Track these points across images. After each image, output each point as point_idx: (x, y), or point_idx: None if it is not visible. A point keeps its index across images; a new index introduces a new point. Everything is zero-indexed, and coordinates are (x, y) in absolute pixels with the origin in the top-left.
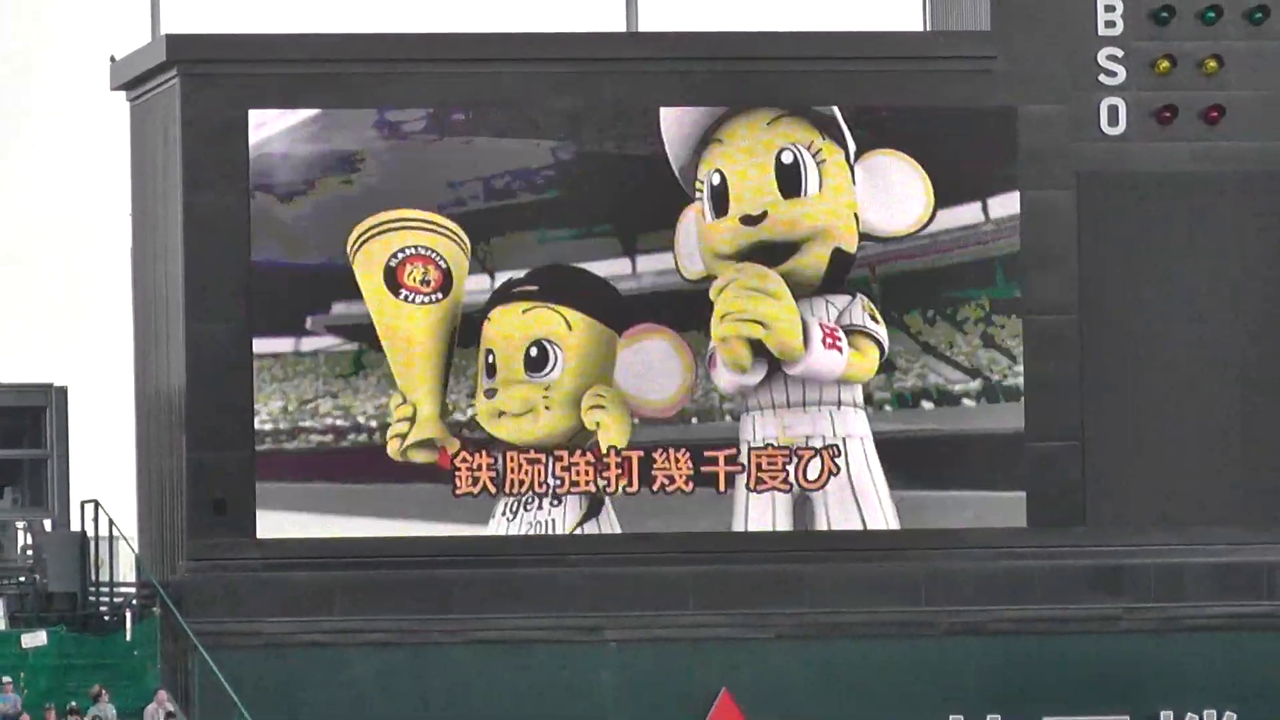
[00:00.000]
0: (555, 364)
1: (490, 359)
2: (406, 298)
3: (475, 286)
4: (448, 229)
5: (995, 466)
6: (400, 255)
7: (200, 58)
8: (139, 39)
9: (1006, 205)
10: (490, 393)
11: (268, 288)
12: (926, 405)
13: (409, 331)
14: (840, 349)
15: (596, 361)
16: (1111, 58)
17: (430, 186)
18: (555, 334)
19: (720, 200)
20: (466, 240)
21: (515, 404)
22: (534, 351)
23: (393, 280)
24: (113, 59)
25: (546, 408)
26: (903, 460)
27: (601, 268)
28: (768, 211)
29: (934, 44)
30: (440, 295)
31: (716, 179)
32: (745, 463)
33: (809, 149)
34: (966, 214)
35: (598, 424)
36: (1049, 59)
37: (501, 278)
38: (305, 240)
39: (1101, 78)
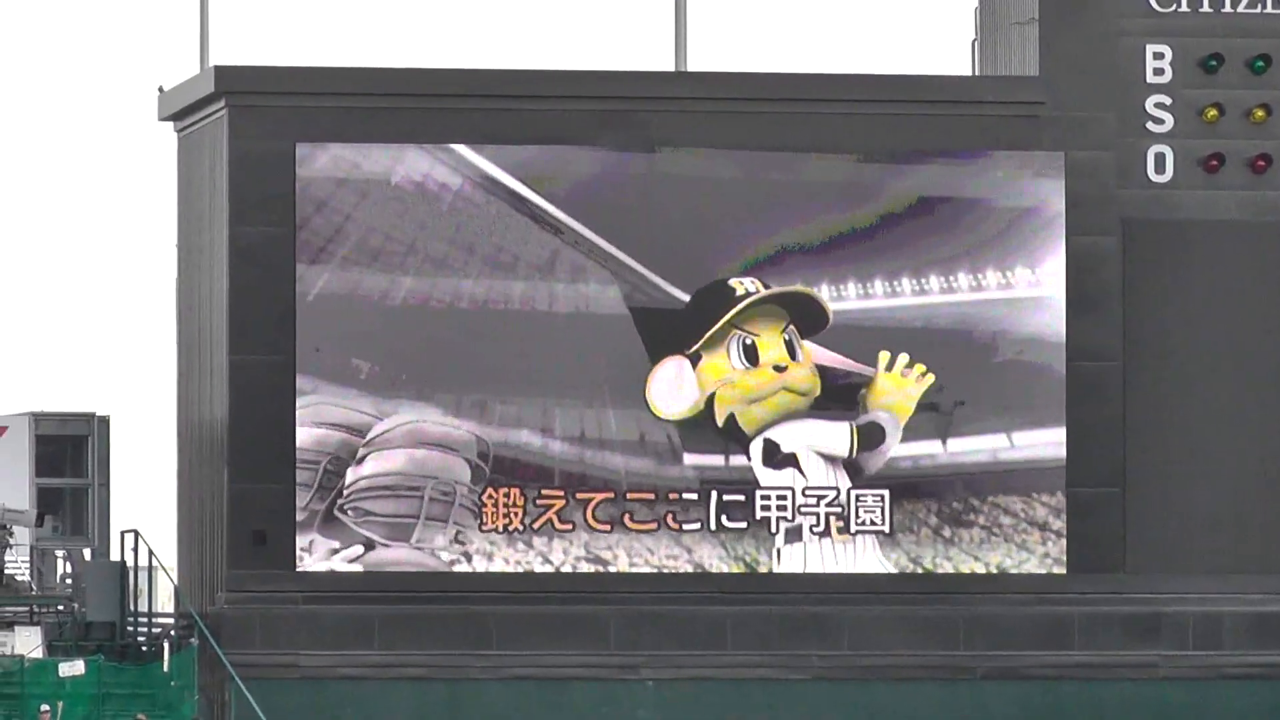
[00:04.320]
0: None
1: None
2: None
3: None
4: None
5: None
6: None
7: (248, 89)
8: (188, 70)
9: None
10: None
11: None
12: None
13: None
14: None
15: None
16: (1159, 105)
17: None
18: None
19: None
20: None
21: None
22: None
23: None
24: (161, 89)
25: None
26: None
27: None
28: None
29: (982, 89)
30: None
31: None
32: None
33: None
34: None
35: None
36: (1097, 105)
37: None
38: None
39: (1149, 125)
